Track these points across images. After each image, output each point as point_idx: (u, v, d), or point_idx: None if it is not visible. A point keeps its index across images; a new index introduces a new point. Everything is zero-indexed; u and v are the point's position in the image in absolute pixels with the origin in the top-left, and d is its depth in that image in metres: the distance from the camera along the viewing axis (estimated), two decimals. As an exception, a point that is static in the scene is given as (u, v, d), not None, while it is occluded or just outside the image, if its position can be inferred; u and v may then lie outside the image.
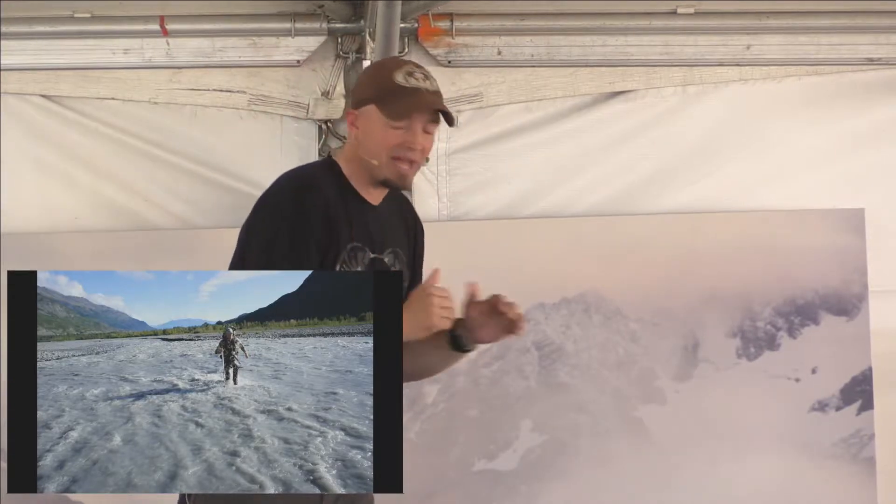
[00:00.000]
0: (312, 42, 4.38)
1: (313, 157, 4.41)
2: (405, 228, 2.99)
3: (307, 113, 4.43)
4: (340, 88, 4.41)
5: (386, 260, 2.88)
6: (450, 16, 4.37)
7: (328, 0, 4.25)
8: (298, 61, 4.40)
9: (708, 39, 4.45)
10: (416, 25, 4.36)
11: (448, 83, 4.42)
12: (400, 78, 2.80)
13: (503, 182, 4.50)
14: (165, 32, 4.31)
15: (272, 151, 4.44)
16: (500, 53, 4.44)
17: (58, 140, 4.42)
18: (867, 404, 4.44)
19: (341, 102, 4.41)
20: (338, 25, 4.38)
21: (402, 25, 4.15)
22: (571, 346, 4.44)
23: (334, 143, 4.47)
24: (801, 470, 4.42)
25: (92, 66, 4.38)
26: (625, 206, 4.49)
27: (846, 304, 4.47)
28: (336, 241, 2.77)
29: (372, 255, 2.85)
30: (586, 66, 4.46)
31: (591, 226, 4.45)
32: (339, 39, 4.41)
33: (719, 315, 4.47)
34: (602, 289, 4.45)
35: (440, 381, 4.37)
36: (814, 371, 4.48)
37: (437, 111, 2.80)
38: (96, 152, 4.41)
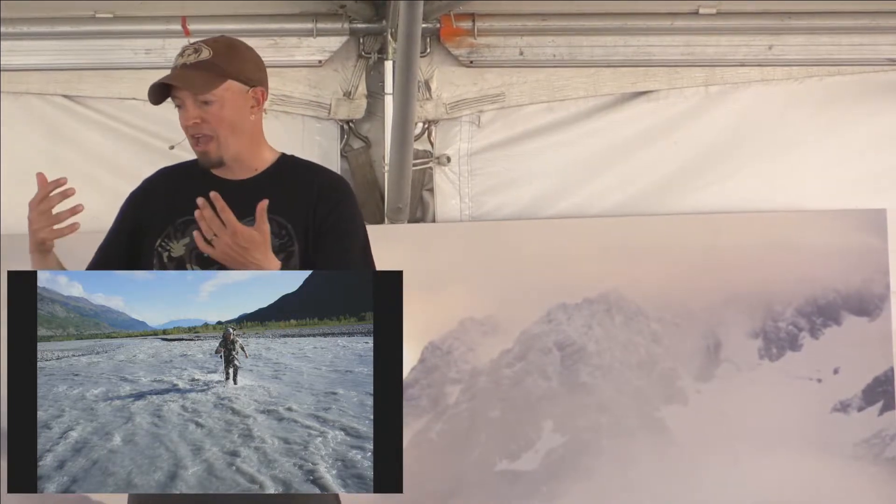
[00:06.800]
0: (334, 42, 4.39)
1: (335, 157, 4.41)
2: (301, 198, 2.88)
3: (329, 113, 4.43)
4: (362, 88, 4.42)
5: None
6: (472, 16, 4.37)
7: (350, 0, 4.25)
8: (320, 61, 4.40)
9: (730, 40, 4.46)
10: (438, 25, 4.36)
11: (470, 83, 4.45)
12: (175, 60, 2.83)
13: (525, 182, 4.50)
14: (187, 32, 4.30)
15: (293, 152, 4.28)
16: (522, 53, 4.44)
17: (79, 140, 4.42)
18: (889, 405, 4.43)
19: (363, 102, 4.42)
20: (359, 25, 4.38)
21: (424, 25, 4.14)
22: (593, 347, 4.44)
23: (356, 144, 4.47)
24: (823, 470, 4.41)
25: (114, 66, 4.39)
26: (646, 207, 4.49)
27: (868, 304, 4.46)
28: (162, 220, 2.86)
29: None
30: (608, 66, 4.46)
31: (613, 226, 4.44)
32: (361, 40, 4.42)
33: (741, 315, 4.46)
34: (624, 289, 4.44)
35: (462, 382, 4.37)
36: (836, 371, 4.48)
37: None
38: (118, 152, 4.42)
